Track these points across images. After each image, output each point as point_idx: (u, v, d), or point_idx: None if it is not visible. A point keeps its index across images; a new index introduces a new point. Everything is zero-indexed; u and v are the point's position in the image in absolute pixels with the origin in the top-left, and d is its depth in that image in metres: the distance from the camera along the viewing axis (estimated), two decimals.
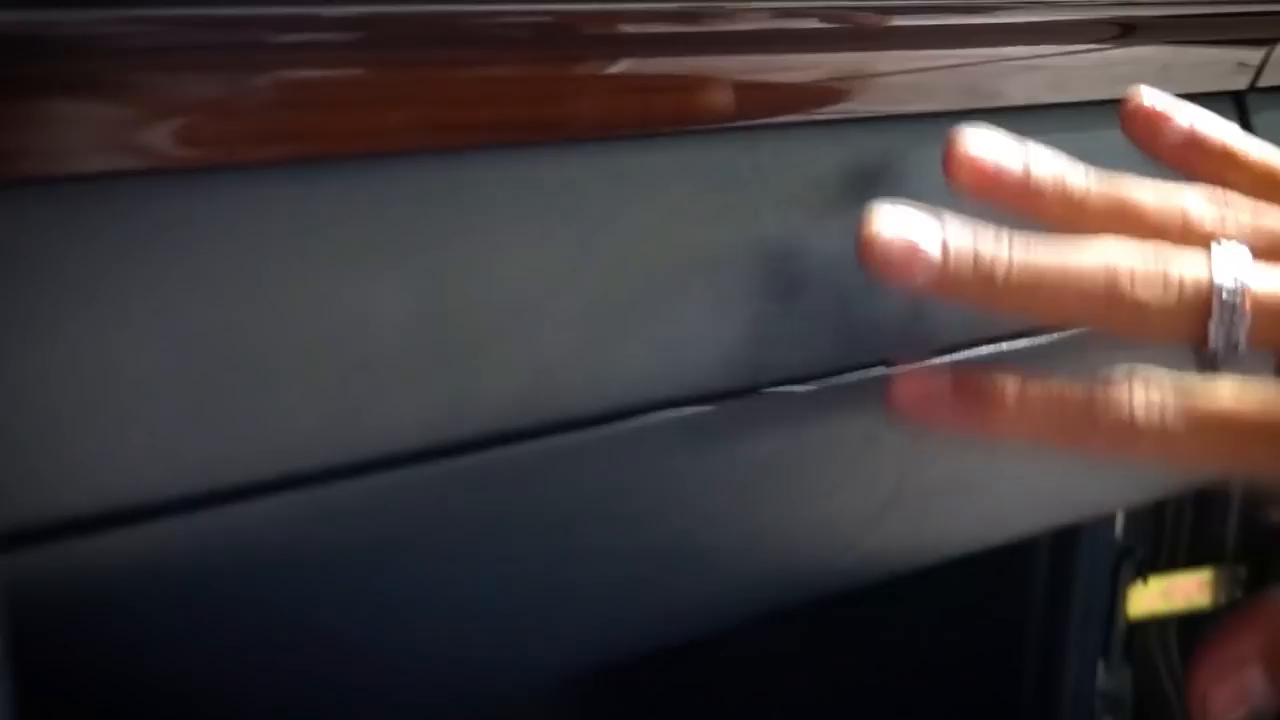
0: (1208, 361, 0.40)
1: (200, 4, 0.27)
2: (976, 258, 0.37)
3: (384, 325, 0.32)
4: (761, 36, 0.37)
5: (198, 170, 0.30)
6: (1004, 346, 0.47)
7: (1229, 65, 0.54)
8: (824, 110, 0.41)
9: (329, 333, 0.32)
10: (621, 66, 0.35)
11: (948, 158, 0.38)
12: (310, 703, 0.37)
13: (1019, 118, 0.44)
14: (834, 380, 0.41)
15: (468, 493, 0.34)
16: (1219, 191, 0.42)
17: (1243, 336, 0.39)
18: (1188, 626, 0.94)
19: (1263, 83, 0.56)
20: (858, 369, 0.42)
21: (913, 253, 0.37)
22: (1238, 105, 0.56)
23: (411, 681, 0.39)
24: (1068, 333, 0.47)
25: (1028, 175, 0.40)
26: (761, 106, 0.39)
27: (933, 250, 0.37)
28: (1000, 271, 0.37)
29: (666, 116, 0.37)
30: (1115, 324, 0.40)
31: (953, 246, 0.37)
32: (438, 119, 0.33)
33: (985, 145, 0.39)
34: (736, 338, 0.39)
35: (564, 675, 0.51)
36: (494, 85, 0.34)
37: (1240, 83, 0.56)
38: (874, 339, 0.42)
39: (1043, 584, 0.84)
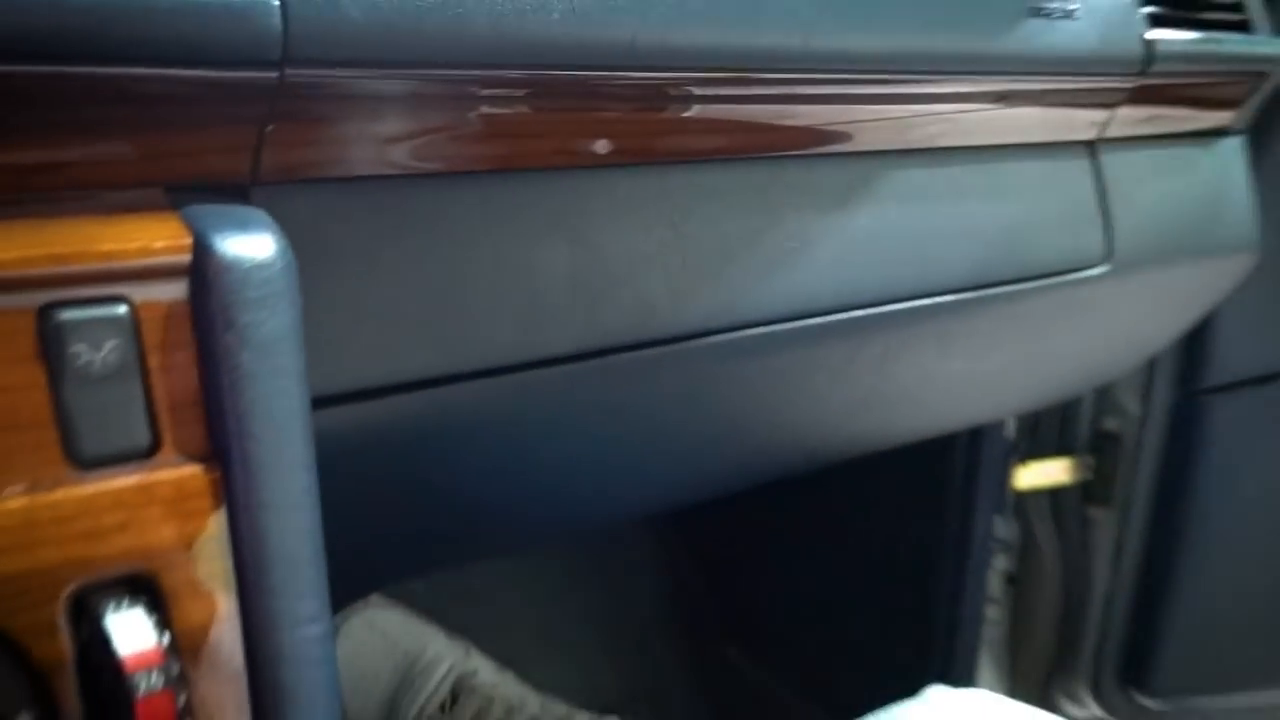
0: None
1: (429, 66, 0.34)
2: None
3: (545, 274, 0.40)
4: (780, 98, 0.44)
5: (428, 175, 0.37)
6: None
7: (1083, 122, 0.59)
8: (824, 147, 0.48)
9: (510, 278, 0.39)
10: (692, 111, 0.42)
11: None
12: (499, 511, 0.45)
13: (935, 156, 0.52)
14: (834, 317, 0.49)
15: (598, 386, 0.42)
16: None
17: None
18: (1054, 496, 1.00)
19: (1109, 134, 0.61)
20: (852, 308, 0.49)
21: None
22: (1090, 151, 0.61)
23: (558, 503, 0.48)
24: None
25: None
26: (783, 143, 0.46)
27: None
28: None
29: (719, 148, 0.44)
30: None
31: None
32: (574, 146, 0.40)
33: None
34: (778, 289, 0.47)
35: (649, 511, 0.57)
36: (608, 124, 0.40)
37: (1091, 134, 0.60)
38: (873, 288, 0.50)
39: (960, 466, 0.88)
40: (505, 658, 0.96)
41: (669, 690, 1.08)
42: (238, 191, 0.33)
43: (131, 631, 0.25)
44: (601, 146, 0.41)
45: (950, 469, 0.90)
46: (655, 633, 1.08)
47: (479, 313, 0.39)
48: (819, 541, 0.99)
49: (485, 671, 0.96)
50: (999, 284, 0.57)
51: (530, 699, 0.97)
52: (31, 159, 0.28)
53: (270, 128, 0.32)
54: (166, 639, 0.26)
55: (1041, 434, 0.97)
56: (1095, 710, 1.04)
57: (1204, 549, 0.98)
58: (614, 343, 0.42)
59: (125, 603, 0.26)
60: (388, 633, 0.93)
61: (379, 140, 0.36)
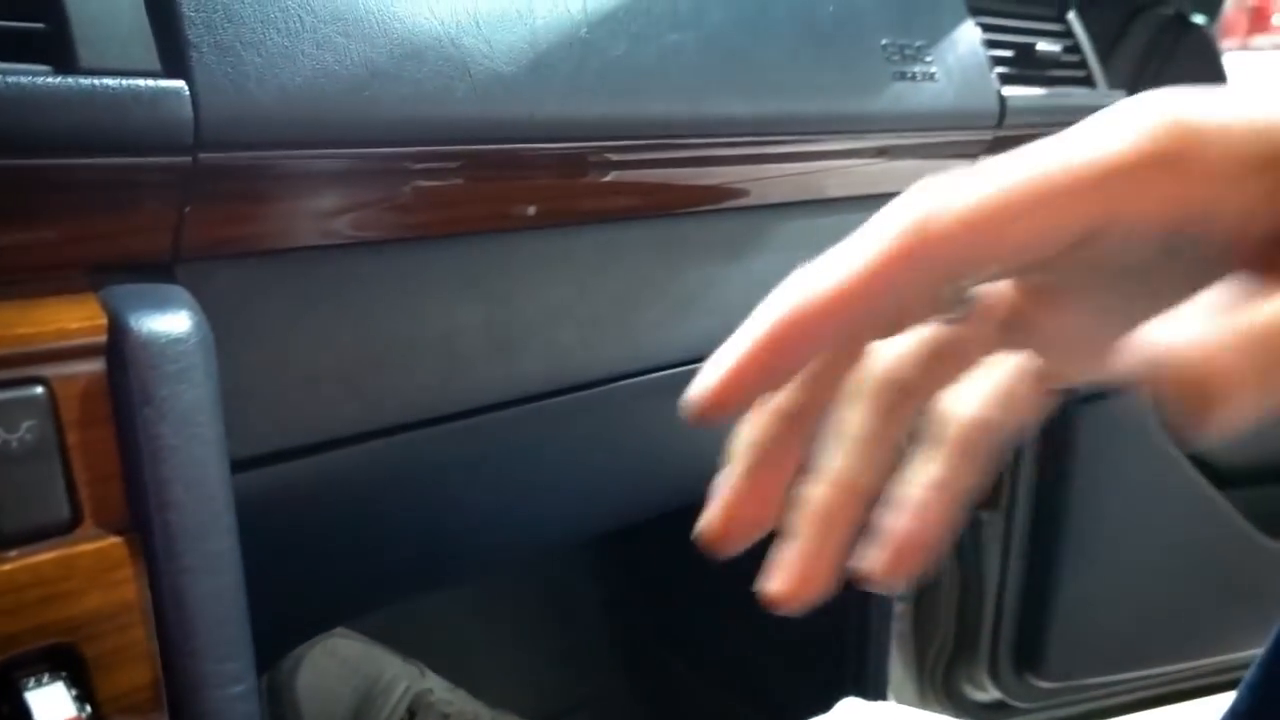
0: None
1: (341, 146, 0.33)
2: None
3: (463, 331, 0.39)
4: (692, 160, 0.44)
5: (347, 245, 0.36)
6: None
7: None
8: (721, 203, 0.47)
9: (429, 336, 0.38)
10: (600, 176, 0.41)
11: None
12: (432, 550, 0.44)
13: (825, 205, 0.51)
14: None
15: (517, 432, 0.41)
16: None
17: None
18: None
19: None
20: None
21: None
22: None
23: (487, 539, 0.46)
24: None
25: None
26: (684, 201, 0.45)
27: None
28: None
29: (627, 208, 0.43)
30: None
31: None
32: (502, 211, 0.39)
33: None
34: (682, 335, 0.45)
35: (575, 540, 0.55)
36: (535, 190, 0.40)
37: None
38: None
39: None
40: (457, 677, 0.94)
41: (612, 697, 1.07)
42: (162, 269, 0.31)
43: (52, 705, 0.23)
44: (519, 211, 0.40)
45: None
46: (597, 644, 1.06)
47: (399, 370, 0.38)
48: (744, 552, 0.98)
49: (439, 689, 0.94)
50: None
51: (483, 712, 0.95)
52: None
53: (188, 208, 0.31)
54: (88, 711, 0.24)
55: None
56: (994, 692, 1.04)
57: (1081, 544, 0.98)
58: (530, 392, 0.40)
59: (47, 676, 0.24)
60: (347, 659, 0.91)
61: (297, 215, 0.34)
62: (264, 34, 0.31)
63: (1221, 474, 1.00)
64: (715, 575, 1.03)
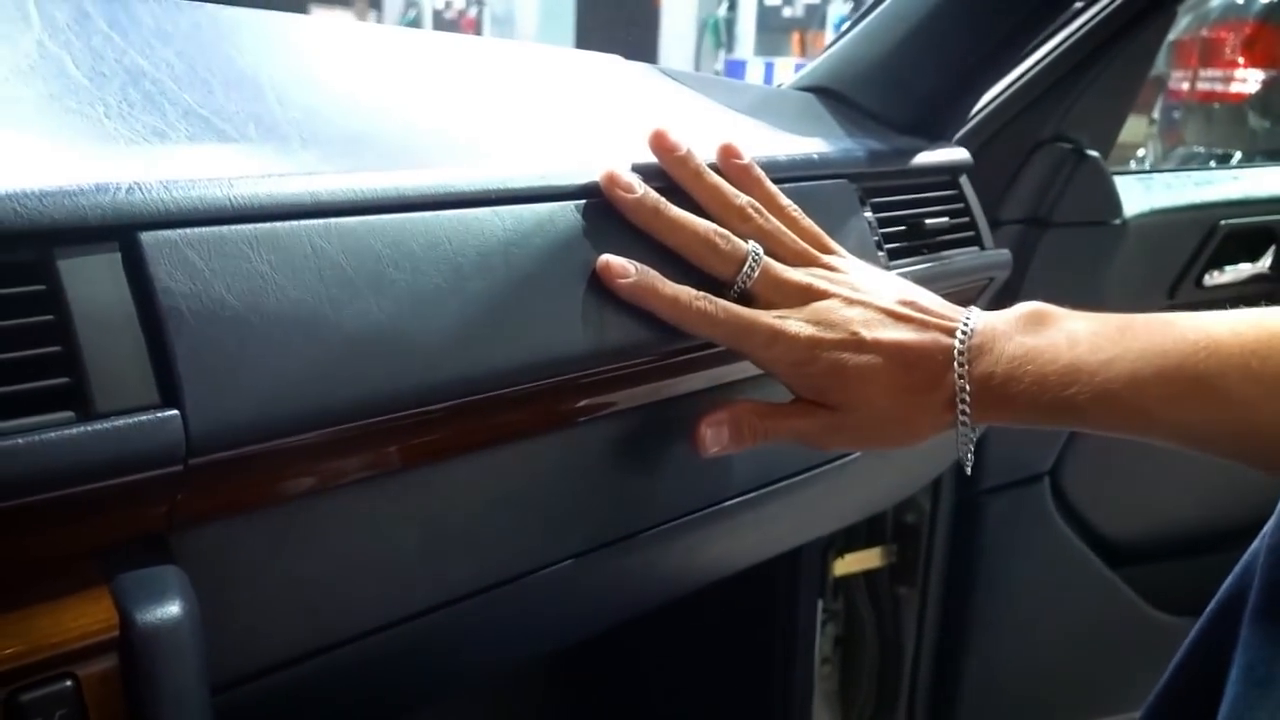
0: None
1: (302, 432, 0.40)
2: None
3: (400, 552, 0.47)
4: (602, 385, 0.52)
5: (308, 495, 0.43)
6: None
7: None
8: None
9: (372, 560, 0.46)
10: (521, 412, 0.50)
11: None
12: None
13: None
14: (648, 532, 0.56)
15: (448, 627, 0.49)
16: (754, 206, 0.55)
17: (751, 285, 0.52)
18: (869, 577, 1.09)
19: None
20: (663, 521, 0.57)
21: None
22: None
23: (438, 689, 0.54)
24: None
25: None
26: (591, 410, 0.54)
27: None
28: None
29: (546, 423, 0.52)
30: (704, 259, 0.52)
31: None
32: (438, 448, 0.46)
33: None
34: (589, 524, 0.54)
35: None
36: (467, 429, 0.47)
37: None
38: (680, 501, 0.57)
39: (787, 560, 0.95)
40: None
41: None
42: (156, 540, 0.39)
43: None
44: (451, 445, 0.48)
45: (779, 566, 0.98)
46: (537, 707, 1.14)
47: (349, 589, 0.46)
48: (681, 625, 1.05)
49: None
50: (788, 476, 0.65)
51: None
52: None
53: (179, 497, 0.39)
54: None
55: (855, 529, 1.06)
56: None
57: (987, 617, 1.08)
58: (458, 593, 0.49)
59: None
60: None
61: (269, 484, 0.42)
62: (239, 355, 0.39)
63: (1113, 553, 1.10)
64: (654, 645, 1.10)
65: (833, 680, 1.17)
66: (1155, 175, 1.07)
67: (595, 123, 0.63)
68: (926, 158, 0.75)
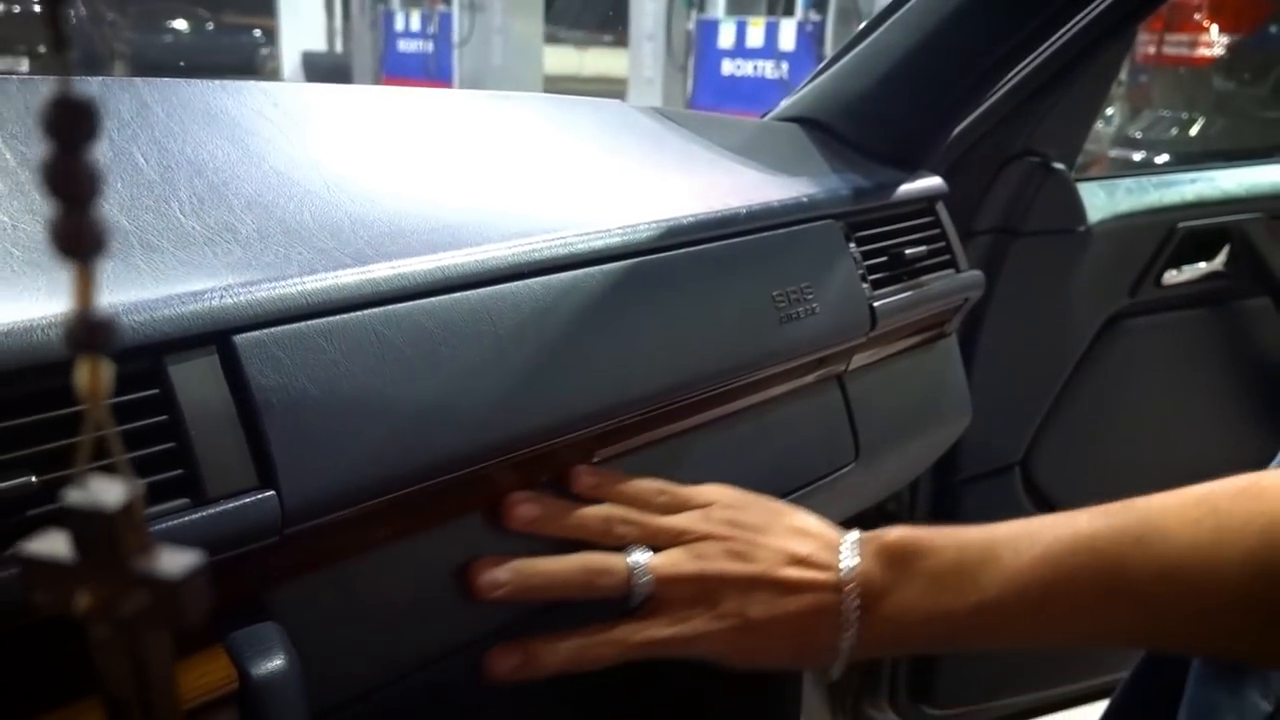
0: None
1: (399, 489, 0.47)
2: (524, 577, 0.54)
3: (434, 585, 0.53)
4: (639, 425, 0.59)
5: (386, 543, 0.50)
6: None
7: (832, 369, 0.75)
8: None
9: (424, 594, 0.52)
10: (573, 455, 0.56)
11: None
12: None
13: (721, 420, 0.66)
14: None
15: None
16: (619, 516, 0.57)
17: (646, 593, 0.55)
18: None
19: (851, 368, 0.76)
20: None
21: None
22: (840, 383, 0.75)
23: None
24: None
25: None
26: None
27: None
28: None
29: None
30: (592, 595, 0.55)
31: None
32: (488, 499, 0.54)
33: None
34: None
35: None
36: (509, 477, 0.53)
37: (839, 371, 0.75)
38: None
39: None
40: None
41: None
42: (254, 599, 0.46)
43: None
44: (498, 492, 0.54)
45: None
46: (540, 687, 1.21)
47: (408, 628, 0.52)
48: None
49: None
50: (791, 491, 0.71)
51: None
52: None
53: (273, 560, 0.45)
54: None
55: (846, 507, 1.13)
56: (893, 719, 1.22)
57: None
58: (508, 620, 0.55)
59: None
60: None
61: (345, 541, 0.48)
62: (321, 437, 0.45)
63: None
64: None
65: None
66: (1118, 181, 1.14)
67: (604, 179, 0.68)
68: (906, 189, 0.81)
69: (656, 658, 0.56)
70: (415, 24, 10.37)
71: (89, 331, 0.15)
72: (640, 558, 0.56)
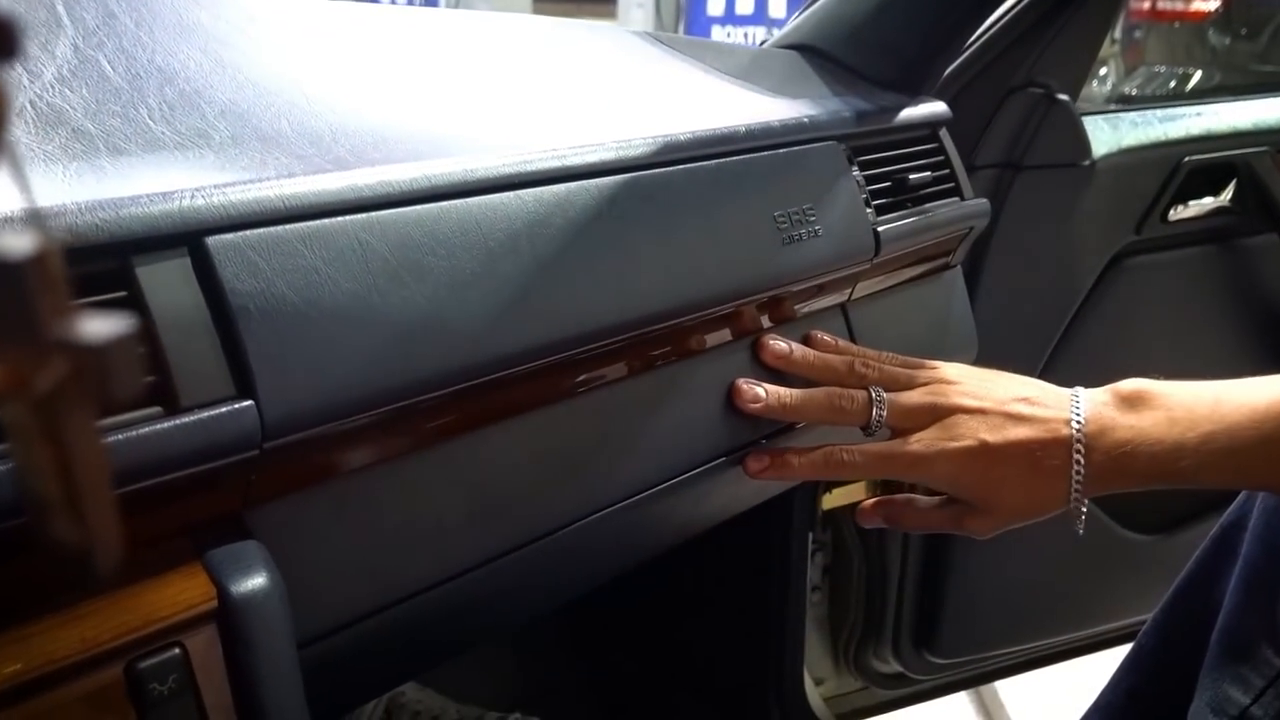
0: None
1: (382, 405, 0.44)
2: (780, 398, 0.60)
3: (449, 511, 0.51)
4: (636, 345, 0.56)
5: (370, 466, 0.48)
6: None
7: (835, 295, 0.69)
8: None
9: (425, 518, 0.50)
10: (579, 375, 0.54)
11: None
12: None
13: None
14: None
15: (490, 580, 0.54)
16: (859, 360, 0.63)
17: (885, 421, 0.60)
18: (852, 508, 1.13)
19: (855, 297, 0.70)
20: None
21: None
22: (843, 311, 0.74)
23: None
24: None
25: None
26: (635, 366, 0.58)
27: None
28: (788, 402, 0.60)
29: (593, 380, 0.56)
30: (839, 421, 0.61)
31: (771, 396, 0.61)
32: (477, 419, 0.51)
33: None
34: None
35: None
36: (501, 396, 0.51)
37: (843, 300, 0.73)
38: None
39: (780, 499, 0.98)
40: (425, 678, 1.07)
41: (567, 688, 1.21)
42: (234, 518, 0.43)
43: None
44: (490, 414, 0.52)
45: (780, 503, 1.02)
46: (552, 641, 1.20)
47: (403, 554, 0.50)
48: (682, 563, 1.10)
49: (410, 690, 1.07)
50: (788, 429, 0.69)
51: (449, 707, 1.08)
52: None
53: (254, 477, 0.43)
54: None
55: None
56: (897, 667, 1.20)
57: (969, 540, 1.13)
58: (496, 550, 0.53)
59: None
60: None
61: (327, 460, 0.46)
62: (302, 346, 0.42)
63: None
64: (657, 587, 1.16)
65: (823, 607, 1.23)
66: (1123, 115, 1.11)
67: (598, 96, 0.66)
68: (908, 114, 0.78)
69: (891, 477, 0.61)
70: None
71: None
72: (880, 391, 0.60)
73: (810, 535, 1.10)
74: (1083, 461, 0.56)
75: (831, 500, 1.11)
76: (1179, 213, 1.09)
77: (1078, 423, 0.57)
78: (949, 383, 0.61)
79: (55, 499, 0.14)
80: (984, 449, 0.57)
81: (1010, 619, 1.20)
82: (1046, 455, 0.57)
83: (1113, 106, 1.14)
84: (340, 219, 0.45)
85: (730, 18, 7.82)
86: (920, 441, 0.58)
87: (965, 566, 1.14)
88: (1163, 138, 1.09)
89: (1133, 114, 1.12)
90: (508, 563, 0.53)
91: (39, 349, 0.12)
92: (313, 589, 0.45)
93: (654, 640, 1.18)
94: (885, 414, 0.60)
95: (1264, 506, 0.67)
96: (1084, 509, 0.58)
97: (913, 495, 0.63)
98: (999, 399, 0.59)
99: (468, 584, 0.52)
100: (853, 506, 1.13)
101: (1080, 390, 0.60)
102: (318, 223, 0.44)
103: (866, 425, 0.60)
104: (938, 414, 0.59)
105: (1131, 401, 0.57)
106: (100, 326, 0.13)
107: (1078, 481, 0.56)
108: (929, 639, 1.18)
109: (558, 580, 0.61)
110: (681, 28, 8.09)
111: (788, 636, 1.11)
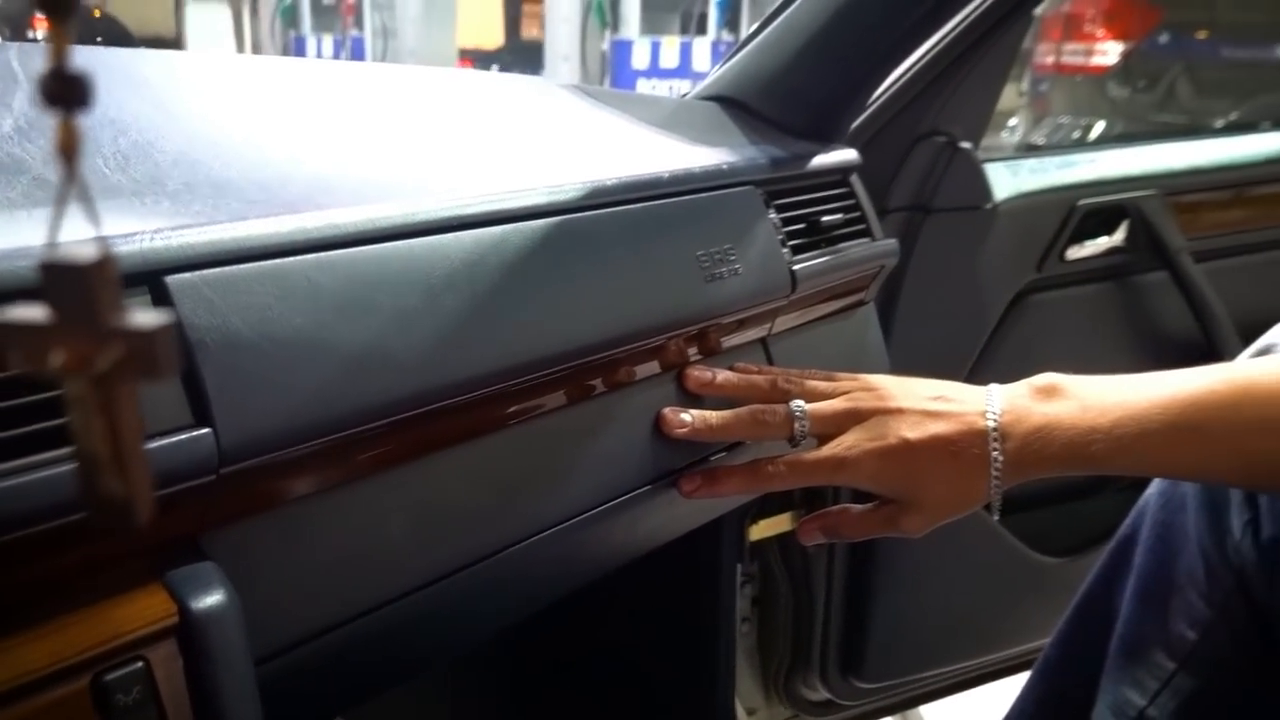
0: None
1: (333, 433, 0.47)
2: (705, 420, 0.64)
3: (396, 532, 0.54)
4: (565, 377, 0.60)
5: (319, 492, 0.50)
6: None
7: (756, 330, 0.74)
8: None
9: (372, 540, 0.53)
10: (511, 406, 0.57)
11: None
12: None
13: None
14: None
15: (440, 599, 0.56)
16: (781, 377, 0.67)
17: (808, 430, 0.63)
18: (782, 539, 1.16)
19: (775, 332, 0.72)
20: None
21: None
22: (764, 346, 0.78)
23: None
24: None
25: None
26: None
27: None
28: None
29: (520, 413, 0.59)
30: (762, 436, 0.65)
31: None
32: (418, 448, 0.54)
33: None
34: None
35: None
36: (444, 425, 0.54)
37: (763, 334, 0.77)
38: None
39: (709, 530, 0.95)
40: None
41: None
42: (189, 540, 0.46)
43: None
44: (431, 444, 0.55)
45: (699, 534, 1.05)
46: (483, 677, 1.21)
47: (352, 574, 0.52)
48: (614, 599, 1.13)
49: None
50: (717, 453, 0.72)
51: None
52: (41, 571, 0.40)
53: (210, 501, 0.45)
54: None
55: (768, 497, 1.14)
56: (825, 694, 1.24)
57: (890, 569, 1.19)
58: (446, 569, 0.56)
59: None
60: None
61: (280, 485, 0.48)
62: (257, 377, 0.45)
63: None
64: (588, 622, 1.18)
65: (752, 637, 1.26)
66: (1023, 161, 1.18)
67: (530, 144, 0.70)
68: (821, 160, 0.83)
69: (818, 484, 0.64)
70: (328, 48, 10.26)
71: (62, 85, 0.16)
72: (800, 404, 0.63)
73: (739, 567, 1.14)
74: (1000, 450, 0.59)
75: (759, 531, 1.14)
76: (1076, 252, 1.17)
77: (993, 414, 0.60)
78: (868, 389, 0.64)
79: (104, 459, 0.17)
80: (905, 446, 0.60)
81: (933, 643, 1.24)
82: (965, 447, 0.60)
83: (1014, 154, 1.21)
84: (291, 259, 0.48)
85: (655, 71, 7.99)
86: (843, 445, 0.61)
87: (888, 592, 1.19)
88: (1059, 182, 1.17)
89: (1031, 161, 1.20)
90: (451, 583, 0.56)
91: (99, 335, 0.16)
92: (267, 608, 0.48)
93: (587, 674, 1.20)
94: (808, 424, 0.63)
95: (1154, 521, 0.72)
96: (999, 500, 0.61)
97: (846, 505, 0.66)
98: (917, 398, 0.62)
99: (414, 604, 0.54)
100: (780, 538, 1.19)
101: (995, 385, 0.63)
102: (270, 263, 0.47)
103: (791, 437, 0.63)
104: (859, 418, 0.62)
105: (1046, 392, 0.61)
106: (147, 318, 0.16)
107: (996, 470, 0.59)
108: (855, 665, 1.22)
109: (499, 602, 0.64)
110: (607, 80, 8.24)
111: (719, 668, 1.14)
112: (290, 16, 10.54)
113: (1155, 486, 0.73)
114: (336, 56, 10.04)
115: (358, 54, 9.79)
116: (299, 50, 10.46)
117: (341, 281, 0.50)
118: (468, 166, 0.63)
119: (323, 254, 0.49)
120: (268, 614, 0.48)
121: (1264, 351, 0.67)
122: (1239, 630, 0.65)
